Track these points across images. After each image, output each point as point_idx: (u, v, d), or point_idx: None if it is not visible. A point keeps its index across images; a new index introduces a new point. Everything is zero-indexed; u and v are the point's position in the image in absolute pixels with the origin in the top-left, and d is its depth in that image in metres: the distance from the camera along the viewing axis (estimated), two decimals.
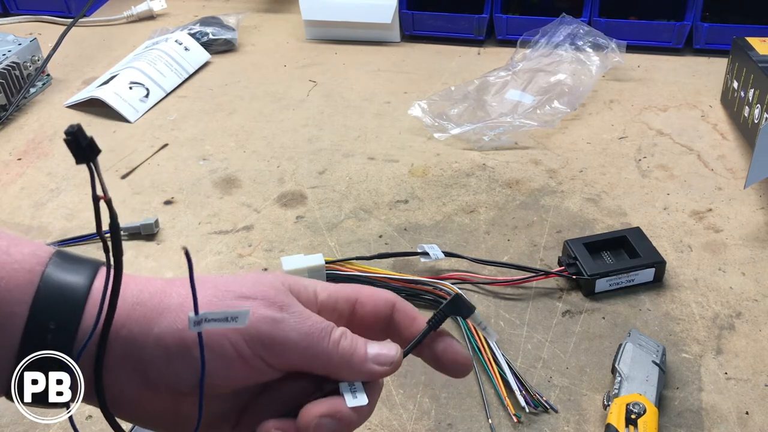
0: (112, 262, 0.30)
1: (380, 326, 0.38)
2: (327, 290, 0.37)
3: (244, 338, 0.32)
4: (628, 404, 0.51)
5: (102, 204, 0.30)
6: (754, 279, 0.65)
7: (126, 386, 0.33)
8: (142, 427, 0.35)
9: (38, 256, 0.32)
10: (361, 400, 0.34)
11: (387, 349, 0.36)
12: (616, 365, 0.55)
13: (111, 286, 0.30)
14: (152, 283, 0.33)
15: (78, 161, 0.27)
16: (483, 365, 0.56)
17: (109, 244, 0.30)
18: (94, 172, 0.28)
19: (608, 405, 0.52)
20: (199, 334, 0.31)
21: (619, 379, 0.53)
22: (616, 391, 0.53)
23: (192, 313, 0.30)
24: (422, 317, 0.38)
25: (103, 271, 0.33)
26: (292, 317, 0.33)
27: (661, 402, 0.53)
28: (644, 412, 0.50)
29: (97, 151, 0.28)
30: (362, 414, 0.35)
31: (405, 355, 0.37)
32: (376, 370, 0.35)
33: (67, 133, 0.27)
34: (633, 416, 0.50)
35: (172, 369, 0.32)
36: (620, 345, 0.56)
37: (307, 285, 0.37)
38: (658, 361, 0.54)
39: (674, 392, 0.55)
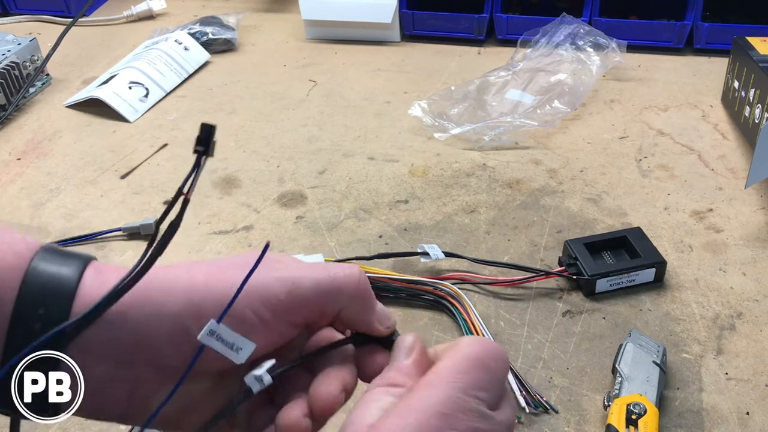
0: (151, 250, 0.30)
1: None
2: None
3: (263, 304, 0.33)
4: (628, 404, 0.51)
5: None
6: (755, 279, 0.65)
7: (136, 380, 0.32)
8: (147, 426, 0.34)
9: (28, 242, 0.32)
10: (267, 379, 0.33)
11: (389, 312, 0.37)
12: (616, 365, 0.55)
13: (139, 267, 0.30)
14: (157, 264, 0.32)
15: (195, 149, 0.29)
16: None
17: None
18: (200, 168, 0.30)
19: (609, 405, 0.52)
20: (201, 346, 0.31)
21: (619, 379, 0.53)
22: (617, 391, 0.52)
23: (214, 321, 0.30)
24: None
25: (95, 263, 0.32)
26: (303, 272, 0.34)
27: (661, 402, 0.53)
28: (645, 412, 0.50)
29: (212, 153, 0.29)
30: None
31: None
32: (377, 328, 0.36)
33: (204, 124, 0.29)
34: (633, 416, 0.50)
35: (189, 345, 0.31)
36: (621, 345, 0.56)
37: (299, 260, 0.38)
38: (658, 362, 0.54)
39: (675, 392, 0.54)
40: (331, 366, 0.35)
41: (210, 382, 0.35)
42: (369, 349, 0.37)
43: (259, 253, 0.32)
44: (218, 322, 0.30)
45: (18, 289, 0.30)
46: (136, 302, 0.31)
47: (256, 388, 0.32)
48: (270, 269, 0.33)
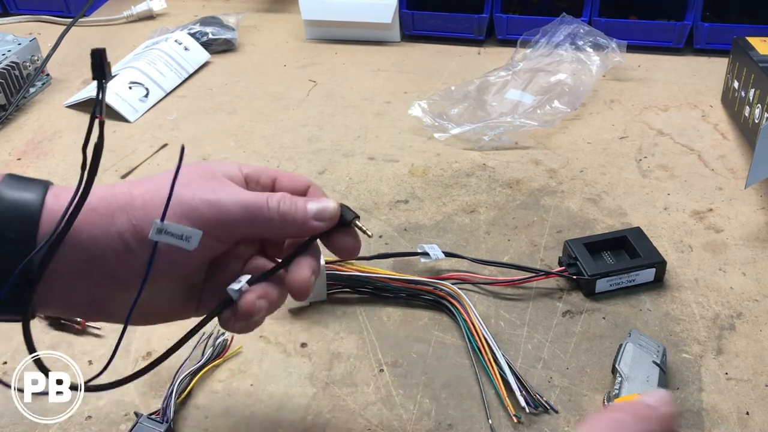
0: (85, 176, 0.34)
1: None
2: (250, 167, 0.42)
3: (191, 223, 0.36)
4: None
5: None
6: (755, 279, 0.65)
7: (96, 284, 0.36)
8: (115, 323, 0.39)
9: None
10: (244, 280, 0.40)
11: (325, 204, 0.41)
12: (616, 365, 0.55)
13: (80, 193, 0.33)
14: (97, 191, 0.36)
15: (94, 76, 0.32)
16: (483, 365, 0.56)
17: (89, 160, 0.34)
18: (102, 92, 0.33)
19: (609, 405, 0.52)
20: (154, 243, 0.35)
21: (619, 379, 0.53)
22: (617, 391, 0.52)
23: (158, 221, 0.35)
24: (331, 200, 0.42)
25: (54, 188, 0.36)
26: (228, 195, 0.38)
27: None
28: None
29: (110, 75, 0.33)
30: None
31: (285, 264, 0.41)
32: (318, 226, 0.40)
33: (93, 50, 0.32)
34: None
35: (135, 261, 0.36)
36: (620, 345, 0.56)
37: (231, 164, 0.42)
38: (658, 362, 0.54)
39: (674, 392, 0.54)
40: (301, 256, 0.41)
41: (187, 284, 0.41)
42: (332, 234, 0.42)
43: (206, 163, 0.38)
44: (162, 220, 0.35)
45: None
46: (86, 223, 0.35)
47: (236, 296, 0.39)
48: (203, 189, 0.38)
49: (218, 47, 1.12)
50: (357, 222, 0.43)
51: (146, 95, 0.98)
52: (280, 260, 0.43)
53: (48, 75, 1.05)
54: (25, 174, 0.36)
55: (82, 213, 0.34)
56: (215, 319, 0.40)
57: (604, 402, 0.53)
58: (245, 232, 0.39)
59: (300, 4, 1.13)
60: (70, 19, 1.12)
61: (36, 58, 1.01)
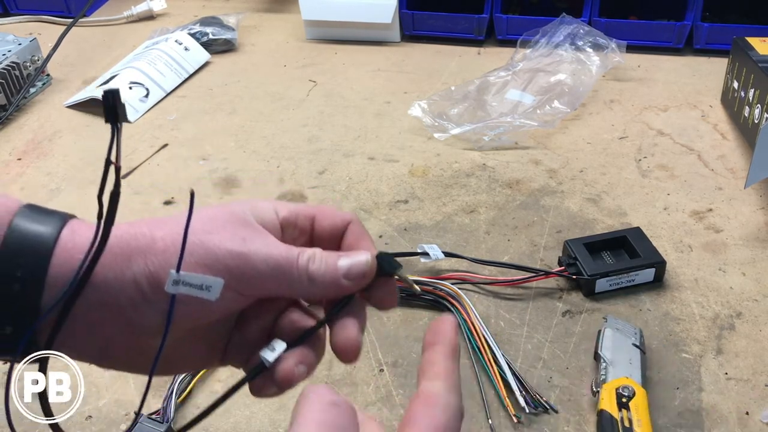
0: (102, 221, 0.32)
1: (338, 242, 0.39)
2: (287, 207, 0.38)
3: (213, 274, 0.33)
4: (617, 388, 0.52)
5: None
6: (755, 279, 0.65)
7: (109, 331, 0.33)
8: (130, 372, 0.36)
9: (7, 206, 0.33)
10: (279, 348, 0.35)
11: (357, 259, 0.36)
12: (598, 351, 0.56)
13: (98, 240, 0.31)
14: (116, 228, 0.33)
15: (107, 120, 0.30)
16: (483, 365, 0.56)
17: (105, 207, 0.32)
18: (117, 135, 0.30)
19: (597, 392, 0.52)
20: (172, 296, 0.32)
21: (604, 364, 0.54)
22: (603, 376, 0.53)
23: (173, 271, 0.31)
24: (367, 239, 0.38)
25: (72, 222, 0.33)
26: (257, 247, 0.34)
27: (647, 382, 0.54)
28: (633, 394, 0.51)
29: (126, 118, 0.30)
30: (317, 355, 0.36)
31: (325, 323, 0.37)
32: (348, 287, 0.36)
33: (106, 92, 0.30)
34: (624, 399, 0.51)
35: (150, 310, 0.33)
36: (599, 331, 0.57)
37: (267, 205, 0.37)
38: (638, 344, 0.56)
39: (674, 392, 0.55)
40: (345, 315, 0.36)
41: (211, 335, 0.37)
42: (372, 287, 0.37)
43: (239, 203, 0.34)
44: (177, 271, 0.32)
45: (0, 244, 0.31)
46: (99, 265, 0.32)
47: (269, 364, 0.34)
48: (232, 238, 0.34)
49: (218, 47, 1.12)
50: (400, 274, 0.38)
51: (146, 95, 0.98)
52: (311, 308, 0.38)
53: (48, 75, 1.05)
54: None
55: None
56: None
57: (592, 388, 0.53)
58: (272, 291, 0.35)
59: (300, 4, 1.13)
60: (71, 19, 1.12)
61: (36, 58, 1.01)
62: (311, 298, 0.38)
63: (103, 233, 0.31)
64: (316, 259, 0.35)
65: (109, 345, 0.34)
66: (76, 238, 0.32)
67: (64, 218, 0.33)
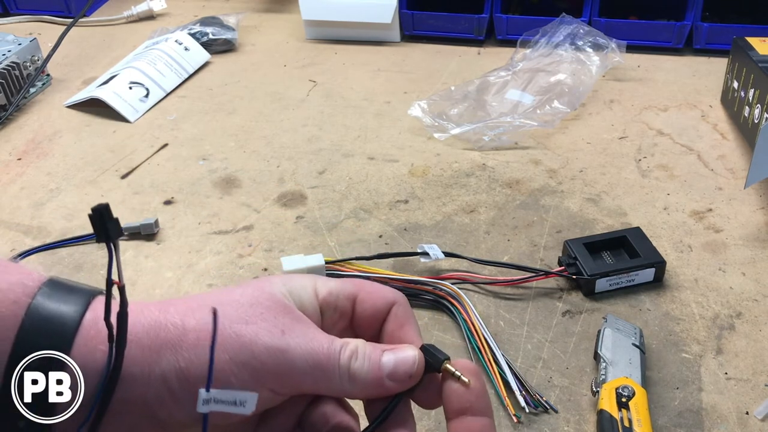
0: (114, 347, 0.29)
1: (380, 325, 0.36)
2: (327, 287, 0.35)
3: (250, 374, 0.31)
4: (617, 388, 0.52)
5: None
6: (755, 279, 0.65)
7: (134, 425, 0.31)
8: None
9: (26, 285, 0.30)
10: None
11: (403, 357, 0.33)
12: (598, 351, 0.56)
13: (111, 371, 0.29)
14: (144, 315, 0.31)
15: (99, 239, 0.27)
16: (483, 365, 0.56)
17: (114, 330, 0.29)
18: (113, 254, 0.28)
19: (597, 391, 0.52)
20: (204, 416, 0.29)
21: (603, 364, 0.54)
22: (603, 376, 0.53)
23: (203, 390, 0.29)
24: (412, 326, 0.35)
25: (98, 300, 0.31)
26: (297, 342, 0.31)
27: (647, 382, 0.54)
28: (633, 394, 0.51)
29: (120, 233, 0.28)
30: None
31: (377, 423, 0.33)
32: (393, 388, 0.33)
33: (93, 209, 0.27)
34: (624, 399, 0.51)
35: (179, 408, 0.30)
36: (599, 331, 0.57)
37: (306, 285, 0.34)
38: (637, 343, 0.56)
39: (674, 392, 0.55)
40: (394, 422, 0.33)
41: (240, 429, 0.34)
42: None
43: (277, 280, 0.32)
44: (207, 390, 0.29)
45: (13, 340, 0.29)
46: (127, 361, 0.30)
47: None
48: (270, 331, 0.31)
49: (218, 47, 1.12)
50: (448, 366, 0.34)
51: (146, 95, 0.98)
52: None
53: (48, 75, 1.05)
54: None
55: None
56: None
57: (592, 388, 0.53)
58: (308, 389, 0.32)
59: (300, 4, 1.13)
60: (71, 19, 1.12)
61: (36, 58, 1.01)
62: (350, 397, 0.34)
63: (117, 356, 0.29)
64: (358, 356, 0.32)
65: None
66: (100, 324, 0.29)
67: (89, 295, 0.31)
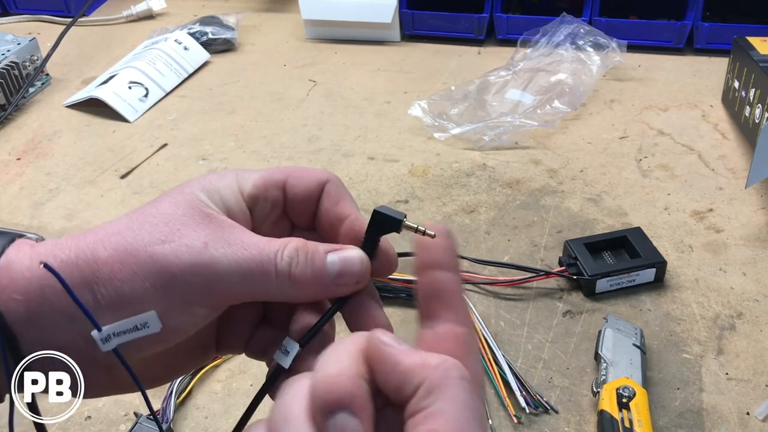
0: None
1: (314, 207, 0.34)
2: (251, 181, 0.32)
3: (175, 297, 0.29)
4: (617, 389, 0.52)
5: None
6: (755, 279, 0.65)
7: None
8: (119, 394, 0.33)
9: None
10: (293, 351, 0.31)
11: (347, 255, 0.31)
12: (599, 352, 0.56)
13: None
14: (58, 251, 0.29)
15: None
16: (483, 365, 0.56)
17: None
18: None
19: (598, 392, 0.52)
20: (116, 352, 0.28)
21: (604, 365, 0.54)
22: (604, 377, 0.53)
23: (95, 332, 0.27)
24: (347, 200, 0.34)
25: (19, 242, 0.30)
26: (223, 252, 0.29)
27: (647, 383, 0.54)
28: (634, 395, 0.51)
29: None
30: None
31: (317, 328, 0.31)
32: (339, 292, 0.31)
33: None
34: (624, 400, 0.51)
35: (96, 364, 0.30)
36: (599, 331, 0.57)
37: (228, 184, 0.32)
38: (638, 344, 0.56)
39: (675, 392, 0.54)
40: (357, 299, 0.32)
41: (195, 340, 0.32)
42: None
43: (196, 183, 0.30)
44: (99, 330, 0.28)
45: None
46: (44, 306, 0.28)
47: (286, 363, 0.31)
48: (190, 246, 0.29)
49: (218, 47, 1.12)
50: (408, 223, 0.33)
51: (146, 95, 0.98)
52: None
53: (47, 75, 1.05)
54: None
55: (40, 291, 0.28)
56: None
57: (592, 389, 0.53)
58: (249, 298, 0.30)
59: (300, 4, 1.12)
60: (70, 19, 1.12)
61: (35, 57, 1.01)
62: (291, 301, 0.32)
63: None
64: (300, 260, 0.30)
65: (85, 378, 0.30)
66: (12, 271, 0.28)
67: (9, 238, 0.29)
